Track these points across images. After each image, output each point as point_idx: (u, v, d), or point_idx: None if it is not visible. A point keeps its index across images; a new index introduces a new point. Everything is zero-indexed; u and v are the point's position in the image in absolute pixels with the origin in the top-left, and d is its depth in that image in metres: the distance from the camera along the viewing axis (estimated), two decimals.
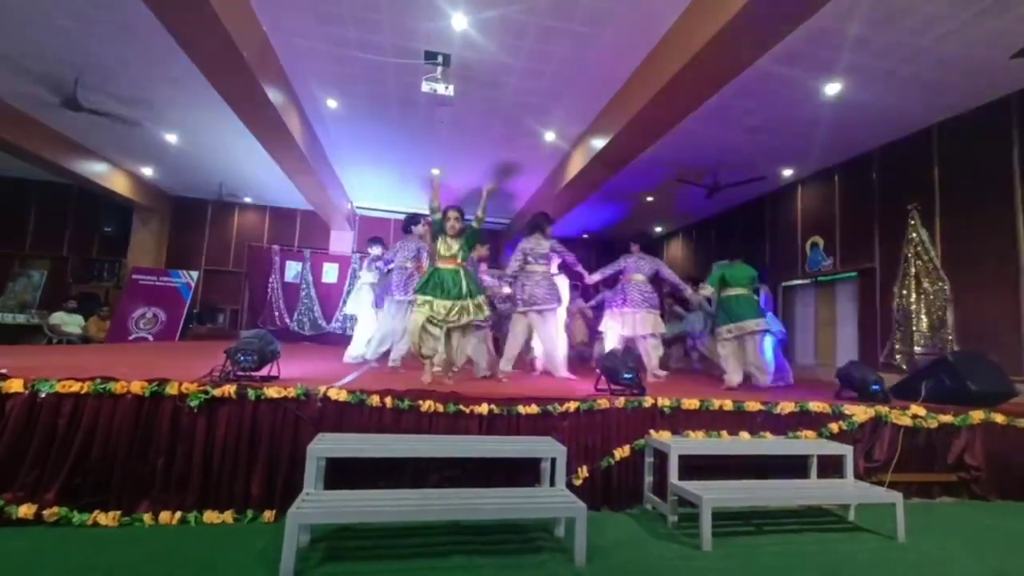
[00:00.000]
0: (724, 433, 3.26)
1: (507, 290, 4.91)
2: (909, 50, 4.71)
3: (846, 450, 3.13)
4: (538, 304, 4.40)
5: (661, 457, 3.00)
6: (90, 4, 4.64)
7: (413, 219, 5.19)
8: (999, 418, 3.64)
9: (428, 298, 3.69)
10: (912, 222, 6.22)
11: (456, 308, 3.71)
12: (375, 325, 5.37)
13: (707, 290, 5.09)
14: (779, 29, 3.92)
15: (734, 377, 4.67)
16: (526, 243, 4.55)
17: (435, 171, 3.93)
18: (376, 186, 10.16)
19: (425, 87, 5.13)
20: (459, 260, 3.85)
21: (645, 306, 5.05)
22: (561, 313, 5.00)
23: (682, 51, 4.41)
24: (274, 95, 5.41)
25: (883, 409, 3.55)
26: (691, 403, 3.28)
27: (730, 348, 4.79)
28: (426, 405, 2.89)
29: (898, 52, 4.75)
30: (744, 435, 3.27)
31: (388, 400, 2.87)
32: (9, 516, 2.36)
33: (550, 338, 4.57)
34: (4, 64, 5.76)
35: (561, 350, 4.71)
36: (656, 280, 5.38)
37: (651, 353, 4.99)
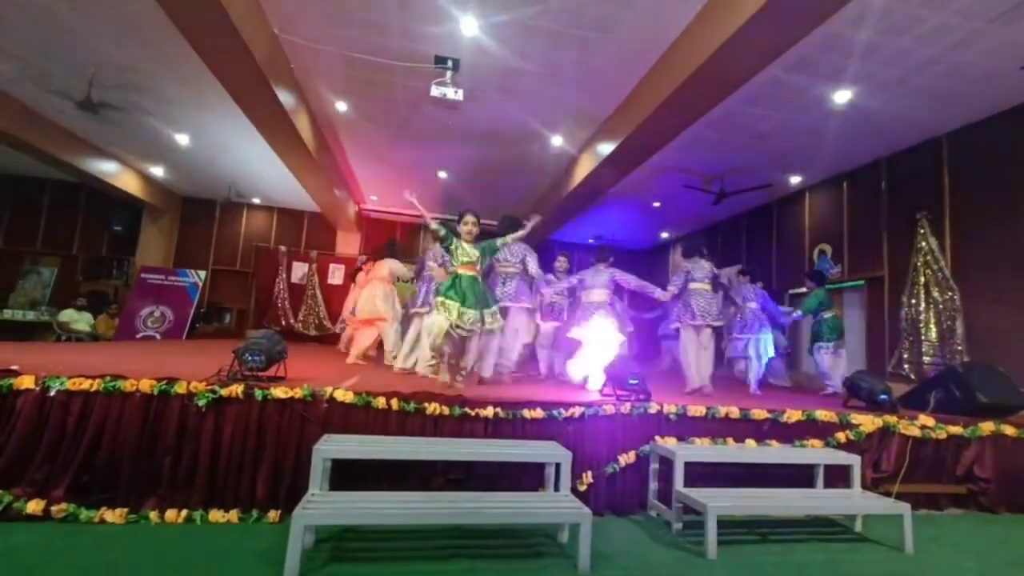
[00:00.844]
0: (730, 440, 3.25)
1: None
2: (919, 59, 4.69)
3: (853, 460, 3.11)
4: (713, 319, 4.86)
5: (666, 464, 2.99)
6: (103, 5, 4.70)
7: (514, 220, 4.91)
8: (1009, 430, 3.60)
9: (454, 302, 3.64)
10: (921, 231, 6.18)
11: (476, 317, 3.68)
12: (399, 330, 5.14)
13: (797, 314, 6.14)
14: (788, 37, 3.92)
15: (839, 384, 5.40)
16: (689, 264, 5.06)
17: (408, 196, 3.86)
18: (384, 188, 10.21)
19: (434, 91, 5.14)
20: (478, 268, 3.81)
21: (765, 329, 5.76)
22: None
23: (691, 58, 4.41)
24: (284, 97, 5.46)
25: (891, 419, 3.52)
26: (697, 410, 3.27)
27: (831, 360, 5.84)
28: (432, 407, 2.89)
29: (908, 61, 4.73)
30: (750, 443, 3.26)
31: (394, 402, 2.88)
32: (18, 512, 2.38)
33: (709, 352, 4.98)
34: (18, 64, 5.84)
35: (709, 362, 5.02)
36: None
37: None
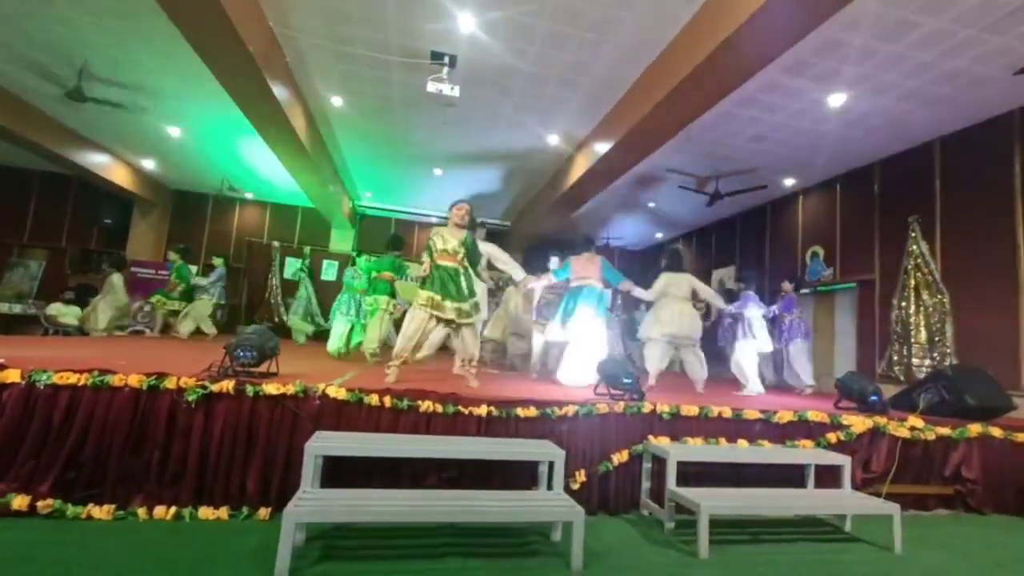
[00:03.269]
0: (722, 440, 3.26)
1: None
2: (913, 64, 4.73)
3: (844, 460, 3.13)
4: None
5: (659, 463, 3.00)
6: None
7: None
8: (996, 432, 3.64)
9: (434, 295, 3.63)
10: (912, 234, 6.23)
11: (458, 309, 3.67)
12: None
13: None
14: (784, 40, 3.93)
15: None
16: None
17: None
18: (379, 185, 10.16)
19: (431, 87, 5.12)
20: (459, 258, 3.77)
21: None
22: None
23: (687, 59, 4.42)
24: (279, 91, 5.41)
25: (881, 420, 3.56)
26: (690, 409, 3.27)
27: None
28: (425, 405, 2.88)
29: (902, 66, 4.77)
30: (742, 443, 3.27)
31: (387, 399, 2.86)
32: (3, 508, 2.34)
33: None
34: (8, 54, 5.75)
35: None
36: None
37: None
